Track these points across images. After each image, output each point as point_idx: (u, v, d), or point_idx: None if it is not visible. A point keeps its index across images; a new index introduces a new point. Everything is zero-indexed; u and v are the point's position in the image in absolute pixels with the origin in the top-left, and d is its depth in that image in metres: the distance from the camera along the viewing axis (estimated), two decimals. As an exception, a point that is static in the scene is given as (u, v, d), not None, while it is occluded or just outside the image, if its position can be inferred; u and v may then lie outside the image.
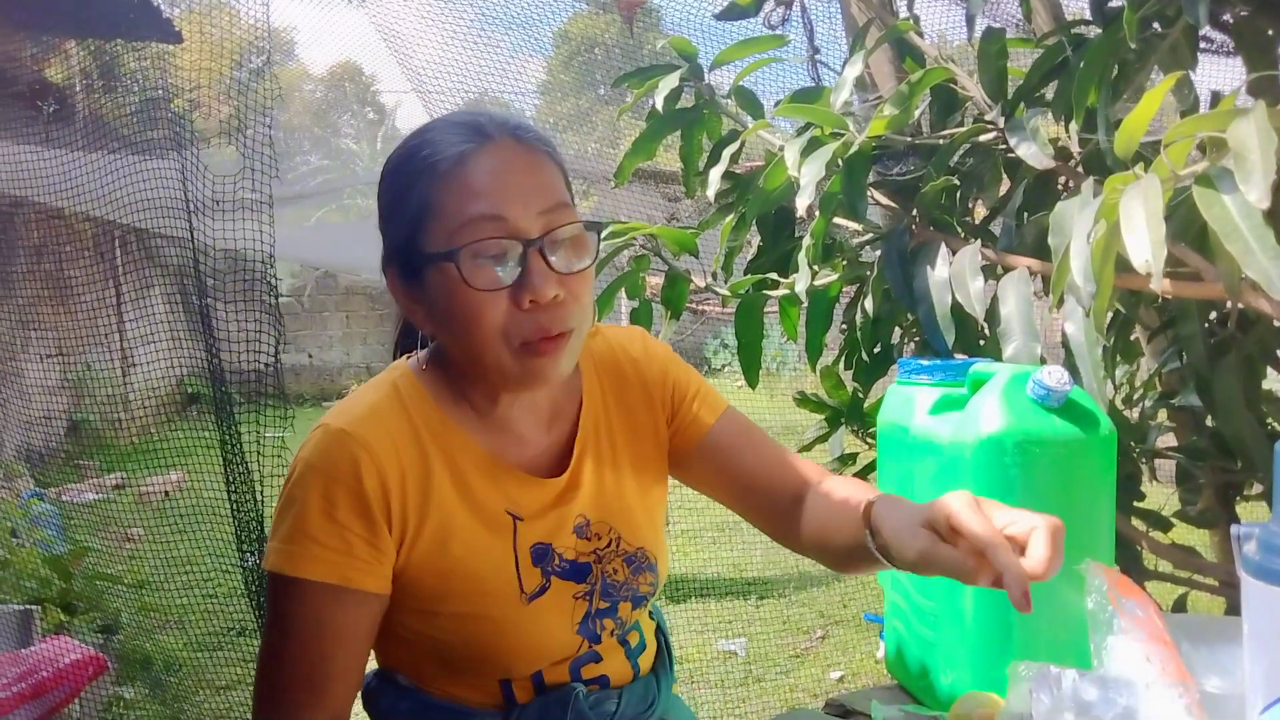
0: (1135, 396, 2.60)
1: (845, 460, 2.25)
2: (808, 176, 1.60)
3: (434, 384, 1.10)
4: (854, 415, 2.09)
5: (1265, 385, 2.07)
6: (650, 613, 1.25)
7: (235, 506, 2.86)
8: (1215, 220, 1.14)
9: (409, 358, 1.14)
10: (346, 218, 17.53)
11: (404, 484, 1.03)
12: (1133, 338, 2.31)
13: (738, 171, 2.03)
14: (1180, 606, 2.07)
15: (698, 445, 1.21)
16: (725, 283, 1.96)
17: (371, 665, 1.14)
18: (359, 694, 1.13)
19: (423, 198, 1.00)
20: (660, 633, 1.28)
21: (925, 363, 1.46)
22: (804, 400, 2.25)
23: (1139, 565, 2.03)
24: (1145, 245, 1.14)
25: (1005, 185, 1.88)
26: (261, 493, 2.78)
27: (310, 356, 12.96)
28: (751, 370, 2.02)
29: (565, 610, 1.11)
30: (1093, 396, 1.39)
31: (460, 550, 1.05)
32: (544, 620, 1.09)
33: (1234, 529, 0.91)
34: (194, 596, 4.23)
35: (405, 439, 1.05)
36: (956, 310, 1.62)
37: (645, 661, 1.21)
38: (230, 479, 2.85)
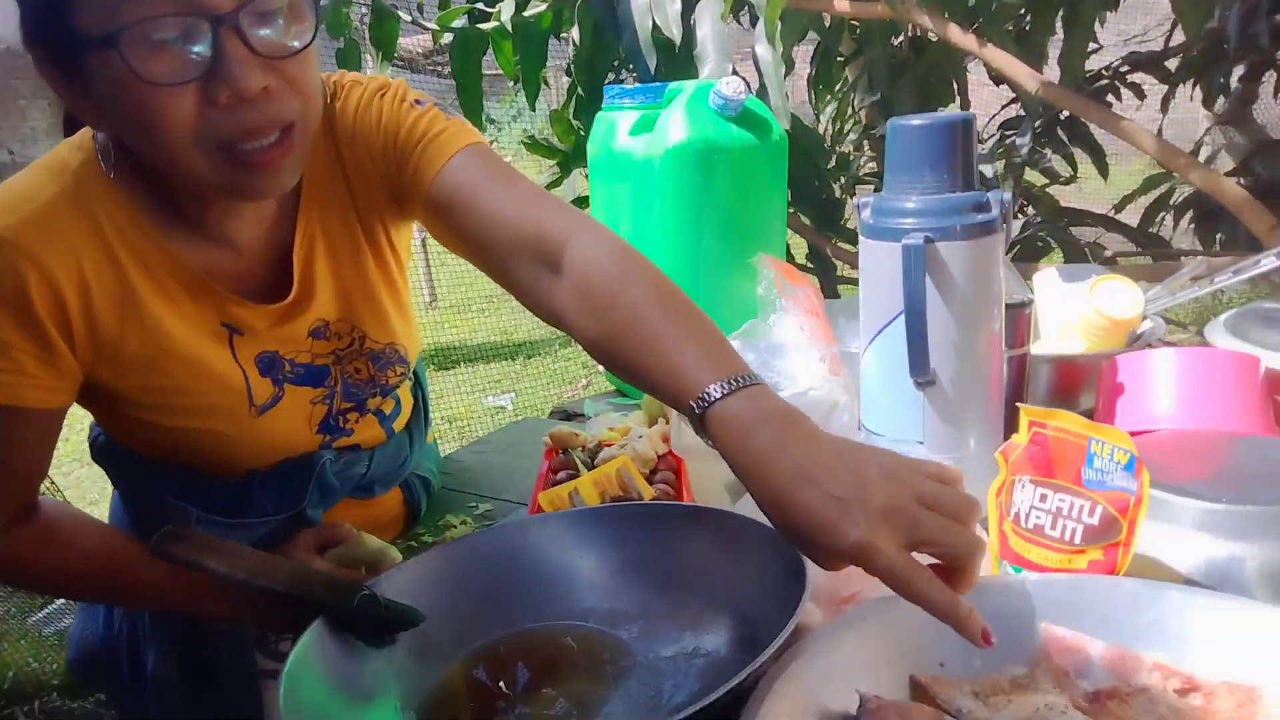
0: (842, 131, 2.82)
1: (580, 203, 2.33)
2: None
3: (127, 181, 0.91)
4: (580, 158, 2.14)
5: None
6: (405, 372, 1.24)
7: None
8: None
9: (94, 136, 0.91)
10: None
11: (89, 299, 0.89)
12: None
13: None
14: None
15: (428, 195, 0.97)
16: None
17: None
18: (89, 446, 1.11)
19: None
20: (418, 387, 1.25)
21: (628, 87, 1.52)
22: (533, 145, 2.26)
23: (833, 275, 2.29)
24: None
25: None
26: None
27: (11, 154, 11.34)
28: (474, 114, 2.00)
29: (301, 417, 1.05)
30: (774, 108, 1.50)
31: (176, 367, 0.95)
32: (278, 429, 1.03)
33: (855, 199, 1.05)
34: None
35: (90, 248, 0.89)
36: (658, 35, 1.66)
37: (400, 422, 1.18)
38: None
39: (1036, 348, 1.30)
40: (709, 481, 1.11)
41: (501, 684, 0.82)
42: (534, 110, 1.99)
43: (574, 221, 0.92)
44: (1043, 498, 0.78)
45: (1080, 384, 1.24)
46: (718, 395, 0.73)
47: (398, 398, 1.17)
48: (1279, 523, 0.81)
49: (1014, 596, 0.74)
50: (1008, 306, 1.06)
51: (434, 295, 6.04)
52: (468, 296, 6.04)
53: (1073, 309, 1.24)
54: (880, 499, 0.66)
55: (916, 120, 0.98)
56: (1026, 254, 2.48)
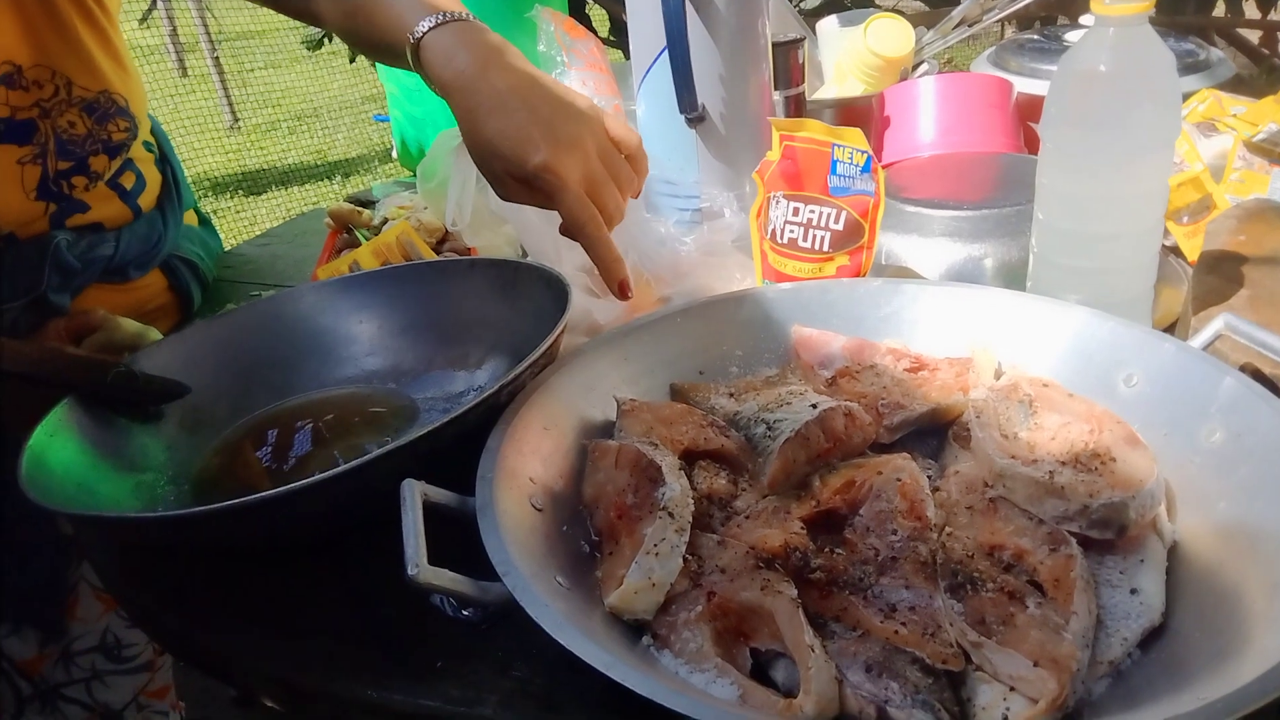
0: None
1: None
2: None
3: None
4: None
5: None
6: (148, 145, 1.16)
7: None
8: None
9: None
10: None
11: None
12: None
13: None
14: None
15: None
16: None
17: None
18: None
19: None
20: (165, 163, 1.18)
21: None
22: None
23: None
24: None
25: None
26: None
27: None
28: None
29: (11, 179, 0.96)
30: None
31: None
32: None
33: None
34: None
35: None
36: None
37: (148, 200, 1.11)
38: None
39: (818, 93, 1.31)
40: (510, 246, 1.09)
41: (278, 448, 0.81)
42: None
43: None
44: (795, 211, 0.81)
45: (858, 126, 1.27)
46: (428, 27, 0.76)
47: (139, 172, 1.09)
48: (1012, 223, 0.88)
49: (768, 304, 0.78)
50: (778, 44, 1.06)
51: (236, 117, 5.58)
52: (274, 117, 5.61)
53: (850, 52, 1.25)
54: (567, 134, 0.72)
55: None
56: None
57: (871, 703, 0.46)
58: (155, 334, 0.92)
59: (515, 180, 0.73)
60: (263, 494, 0.58)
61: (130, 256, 1.07)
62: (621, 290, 0.74)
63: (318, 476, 0.58)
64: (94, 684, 1.15)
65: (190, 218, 1.25)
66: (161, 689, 1.23)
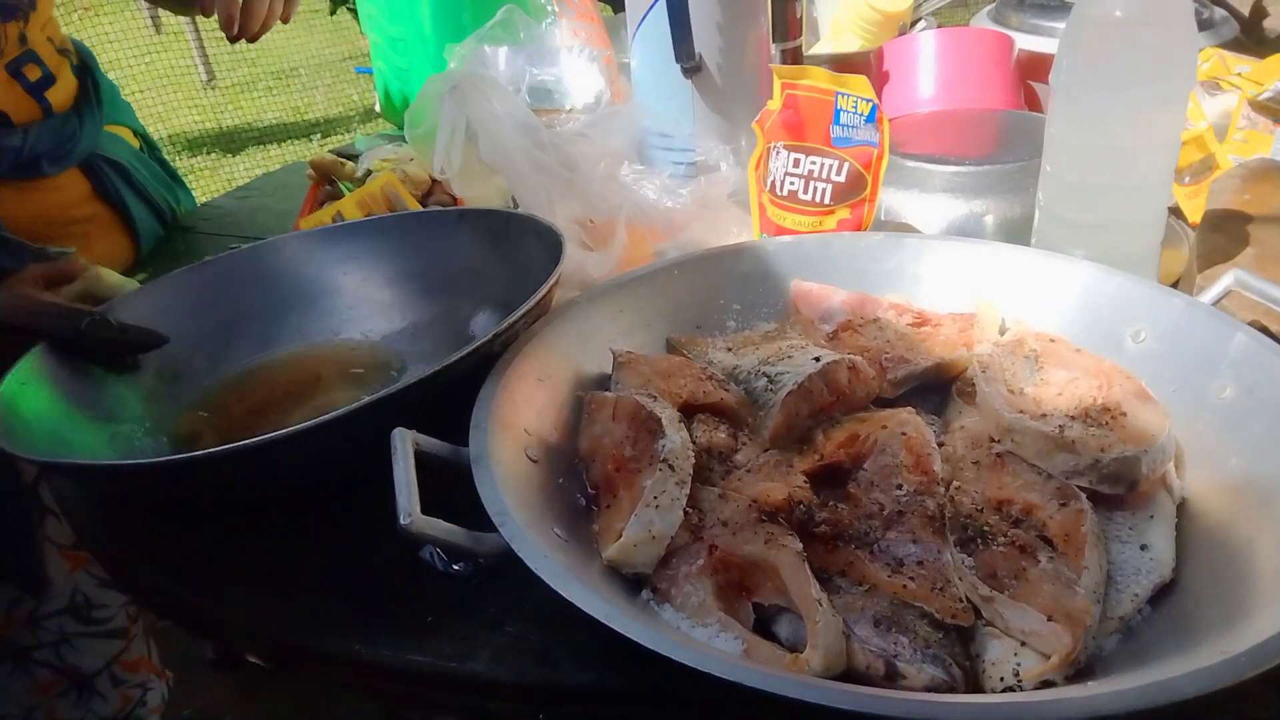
0: None
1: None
2: None
3: None
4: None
5: None
6: (63, 51, 1.12)
7: None
8: None
9: None
10: None
11: None
12: None
13: None
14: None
15: None
16: None
17: None
18: None
19: None
20: (85, 72, 1.16)
21: None
22: None
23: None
24: None
25: None
26: None
27: None
28: None
29: None
30: None
31: None
32: None
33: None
34: None
35: None
36: None
37: (59, 99, 1.10)
38: None
39: (815, 48, 1.29)
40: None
41: (262, 402, 0.78)
42: None
43: None
44: (795, 162, 0.79)
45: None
46: None
47: (45, 67, 1.07)
48: (1015, 179, 0.86)
49: (767, 258, 0.76)
50: (776, -3, 1.03)
51: (211, 74, 5.46)
52: (252, 75, 5.48)
53: (848, 6, 1.22)
54: None
55: None
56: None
57: (880, 657, 0.44)
58: (135, 286, 0.89)
59: None
60: (246, 442, 0.55)
61: (42, 150, 1.06)
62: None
63: (303, 425, 0.56)
64: (63, 647, 1.12)
65: (128, 136, 1.22)
66: (137, 661, 1.20)
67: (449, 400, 0.59)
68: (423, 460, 0.52)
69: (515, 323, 0.63)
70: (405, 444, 0.51)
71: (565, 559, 0.47)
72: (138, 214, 1.15)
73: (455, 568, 0.57)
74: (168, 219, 1.22)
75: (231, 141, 4.50)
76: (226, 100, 5.15)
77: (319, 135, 4.57)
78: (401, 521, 0.46)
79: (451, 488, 0.51)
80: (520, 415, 0.58)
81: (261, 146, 4.46)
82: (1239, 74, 0.99)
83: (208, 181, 3.98)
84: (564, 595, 0.42)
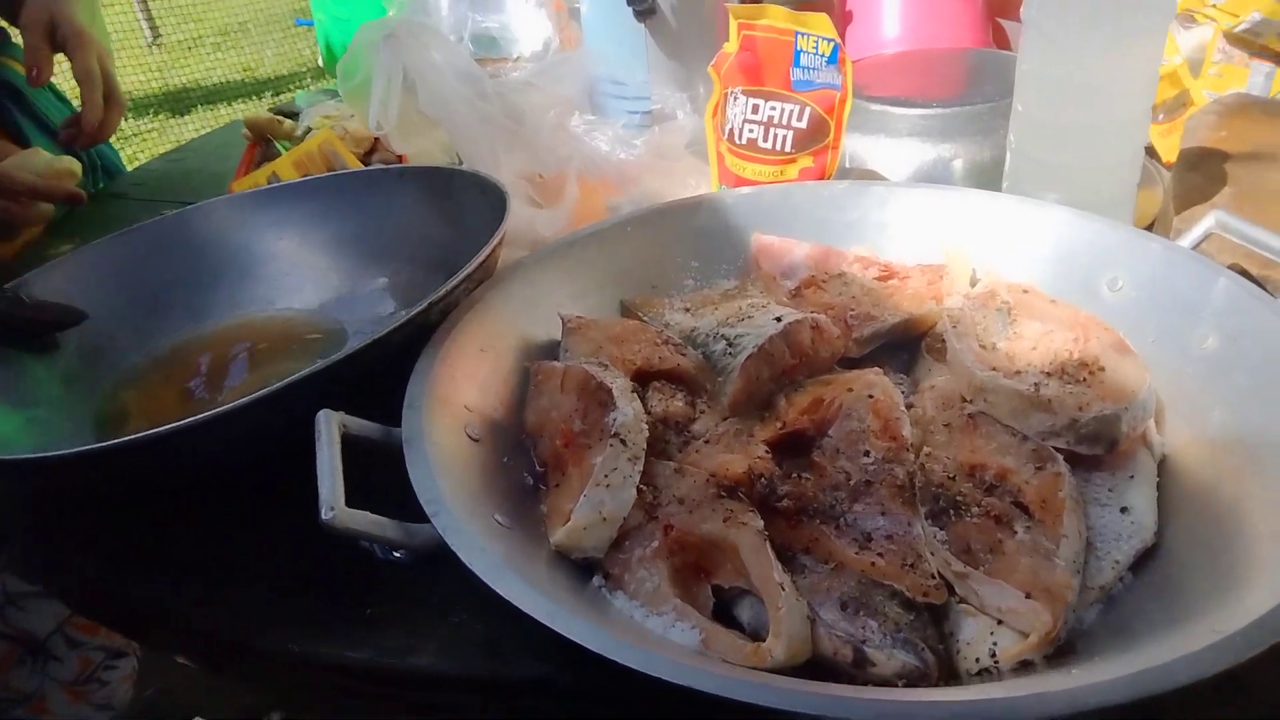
0: None
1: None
2: None
3: None
4: None
5: None
6: None
7: None
8: None
9: None
10: None
11: None
12: None
13: None
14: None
15: None
16: None
17: None
18: None
19: None
20: None
21: None
22: None
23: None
24: None
25: None
26: None
27: None
28: None
29: None
30: None
31: None
32: None
33: None
34: None
35: None
36: None
37: None
38: None
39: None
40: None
41: (192, 381, 0.74)
42: None
43: None
44: (754, 109, 0.74)
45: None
46: None
47: None
48: (984, 120, 0.82)
49: (726, 211, 0.71)
50: (733, -71, 0.97)
51: (156, 32, 5.25)
52: (198, 33, 5.29)
53: (807, -57, 1.17)
54: None
55: None
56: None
57: (847, 643, 0.41)
58: (74, 164, 0.83)
59: None
60: (166, 427, 0.51)
61: None
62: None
63: (225, 407, 0.51)
64: (9, 610, 1.07)
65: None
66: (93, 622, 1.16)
67: (385, 374, 0.54)
68: (353, 444, 0.48)
69: (455, 288, 0.58)
70: (331, 427, 0.47)
71: (506, 548, 0.43)
72: (38, 144, 1.07)
73: (395, 555, 0.53)
74: (83, 161, 1.14)
75: (178, 103, 4.35)
76: (172, 60, 4.97)
77: (270, 94, 4.42)
78: (324, 516, 0.42)
79: (393, 472, 0.47)
80: (460, 390, 0.54)
81: (210, 107, 4.31)
82: (1214, 5, 0.95)
83: (155, 145, 3.84)
84: (501, 594, 0.38)
